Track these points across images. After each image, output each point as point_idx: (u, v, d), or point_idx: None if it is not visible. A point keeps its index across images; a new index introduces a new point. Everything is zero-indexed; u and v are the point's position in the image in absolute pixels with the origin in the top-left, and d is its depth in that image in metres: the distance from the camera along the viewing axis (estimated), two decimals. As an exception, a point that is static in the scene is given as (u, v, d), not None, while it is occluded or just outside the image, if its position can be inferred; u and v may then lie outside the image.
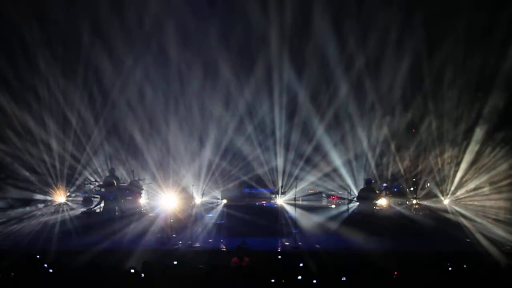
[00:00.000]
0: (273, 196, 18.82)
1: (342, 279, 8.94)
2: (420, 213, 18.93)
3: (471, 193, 19.03)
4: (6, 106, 20.10)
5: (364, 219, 17.34)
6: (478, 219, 17.82)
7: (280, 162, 20.94)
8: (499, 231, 17.05)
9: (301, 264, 10.62)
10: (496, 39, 18.91)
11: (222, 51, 20.72)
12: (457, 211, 18.31)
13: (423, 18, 19.81)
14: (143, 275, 9.03)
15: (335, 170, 20.85)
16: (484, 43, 19.06)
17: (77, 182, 20.36)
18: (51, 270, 9.95)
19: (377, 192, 18.98)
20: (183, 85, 20.98)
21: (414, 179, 20.39)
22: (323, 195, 21.54)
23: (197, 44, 20.77)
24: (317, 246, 15.38)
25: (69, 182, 20.13)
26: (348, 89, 20.83)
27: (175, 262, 10.86)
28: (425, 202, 19.46)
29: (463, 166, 19.48)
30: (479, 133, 19.48)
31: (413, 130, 21.04)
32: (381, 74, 20.61)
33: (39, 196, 19.57)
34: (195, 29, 20.65)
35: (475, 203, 18.69)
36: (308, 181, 20.43)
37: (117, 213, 18.01)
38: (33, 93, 20.41)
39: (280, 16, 20.43)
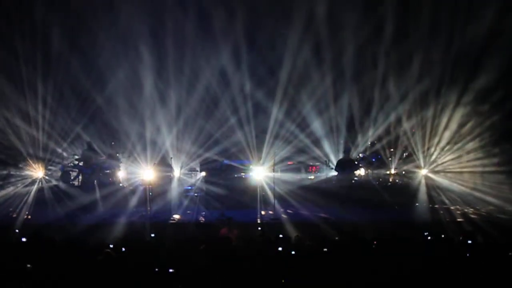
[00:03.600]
0: (252, 168, 18.84)
1: (324, 249, 8.97)
2: (398, 183, 19.09)
3: (449, 163, 19.18)
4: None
5: (342, 190, 17.44)
6: (455, 189, 18.03)
7: (259, 134, 20.91)
8: (475, 200, 17.30)
9: (280, 236, 10.67)
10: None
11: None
12: (434, 181, 18.48)
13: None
14: (123, 249, 9.01)
15: (314, 140, 20.86)
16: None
17: (55, 156, 20.17)
18: (29, 244, 9.90)
19: (355, 162, 19.06)
20: (159, 55, 20.76)
21: (392, 149, 20.48)
22: (302, 166, 21.57)
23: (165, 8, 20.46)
24: (295, 216, 15.48)
25: (47, 156, 19.91)
26: (327, 57, 20.70)
27: (153, 235, 10.87)
28: (403, 172, 19.62)
29: (442, 136, 19.58)
30: (460, 102, 19.53)
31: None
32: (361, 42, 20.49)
33: (14, 171, 19.33)
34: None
35: (453, 172, 18.85)
36: (287, 152, 20.45)
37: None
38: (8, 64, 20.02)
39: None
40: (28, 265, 7.96)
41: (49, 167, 19.71)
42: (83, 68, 20.59)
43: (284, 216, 15.52)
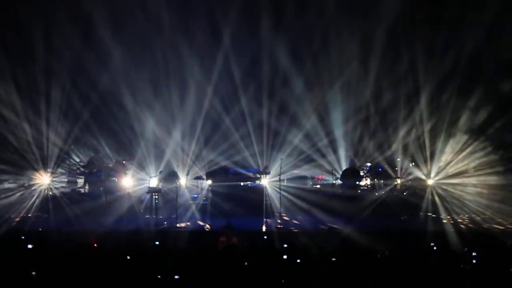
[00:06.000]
0: (258, 176, 18.82)
1: (332, 259, 8.95)
2: (404, 193, 19.02)
3: (455, 174, 19.11)
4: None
5: (348, 200, 17.42)
6: (460, 200, 17.97)
7: (265, 142, 20.91)
8: (481, 210, 17.25)
9: (285, 245, 10.64)
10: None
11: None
12: (440, 191, 18.41)
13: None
14: (128, 257, 9.00)
15: (321, 150, 20.85)
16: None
17: (62, 164, 20.21)
18: (34, 251, 9.92)
19: (361, 172, 19.05)
20: (168, 63, 20.83)
21: (398, 159, 20.42)
22: (308, 175, 21.56)
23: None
24: (301, 225, 15.47)
25: (53, 163, 19.95)
26: (333, 66, 20.73)
27: (157, 243, 10.87)
28: (409, 182, 19.56)
29: (449, 147, 19.53)
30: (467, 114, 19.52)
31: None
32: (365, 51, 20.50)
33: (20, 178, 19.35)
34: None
35: (459, 183, 18.78)
36: (293, 162, 20.45)
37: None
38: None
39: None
40: (33, 272, 7.98)
41: (56, 174, 19.73)
42: (92, 74, 20.65)
43: (290, 224, 15.54)
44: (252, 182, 18.74)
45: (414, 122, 20.52)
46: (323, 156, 20.73)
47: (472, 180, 18.76)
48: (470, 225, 15.64)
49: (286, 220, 16.33)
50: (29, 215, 17.20)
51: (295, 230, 14.63)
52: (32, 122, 20.18)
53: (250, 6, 20.30)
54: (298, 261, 8.82)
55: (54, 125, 20.33)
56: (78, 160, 20.37)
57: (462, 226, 15.49)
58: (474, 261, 8.86)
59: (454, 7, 18.94)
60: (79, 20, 20.10)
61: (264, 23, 20.43)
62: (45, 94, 20.43)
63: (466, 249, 9.98)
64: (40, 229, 14.72)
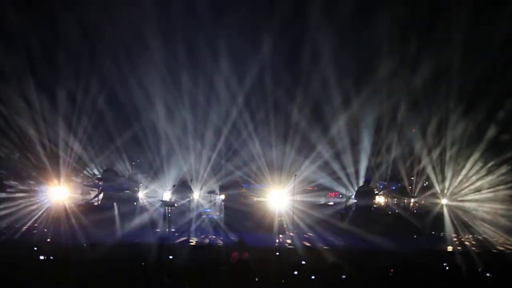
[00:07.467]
0: (271, 192, 18.79)
1: (342, 276, 8.94)
2: (418, 212, 18.94)
3: (469, 194, 19.01)
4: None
5: (361, 217, 17.37)
6: (473, 220, 17.87)
7: (279, 159, 20.92)
8: (493, 232, 17.14)
9: (303, 262, 10.63)
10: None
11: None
12: (454, 211, 18.31)
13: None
14: (140, 270, 9.04)
15: (335, 167, 20.82)
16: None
17: (76, 175, 20.30)
18: (46, 262, 9.98)
19: (375, 190, 18.99)
20: (182, 78, 20.92)
21: (412, 178, 20.37)
22: (321, 192, 21.54)
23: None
24: (314, 243, 15.43)
25: (68, 175, 20.03)
26: (350, 84, 20.79)
27: (171, 257, 10.89)
28: (422, 201, 19.48)
29: (463, 166, 19.46)
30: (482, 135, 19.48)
31: (413, 130, 20.97)
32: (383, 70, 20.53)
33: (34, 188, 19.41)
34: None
35: (473, 204, 18.68)
36: (307, 178, 20.41)
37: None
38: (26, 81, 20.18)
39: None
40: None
41: (70, 185, 19.81)
42: (108, 89, 20.80)
43: (301, 241, 15.51)
44: (265, 198, 18.69)
45: (431, 141, 20.50)
46: (339, 173, 20.68)
47: (486, 201, 18.66)
48: (483, 246, 15.52)
49: (298, 236, 16.29)
50: (36, 225, 17.27)
51: (306, 247, 14.59)
52: (49, 133, 20.28)
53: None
54: (313, 277, 8.84)
55: (71, 137, 20.43)
56: (92, 172, 20.44)
57: (475, 246, 15.38)
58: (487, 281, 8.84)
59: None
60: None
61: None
62: (63, 107, 20.55)
63: (479, 269, 9.93)
64: (51, 240, 14.79)
